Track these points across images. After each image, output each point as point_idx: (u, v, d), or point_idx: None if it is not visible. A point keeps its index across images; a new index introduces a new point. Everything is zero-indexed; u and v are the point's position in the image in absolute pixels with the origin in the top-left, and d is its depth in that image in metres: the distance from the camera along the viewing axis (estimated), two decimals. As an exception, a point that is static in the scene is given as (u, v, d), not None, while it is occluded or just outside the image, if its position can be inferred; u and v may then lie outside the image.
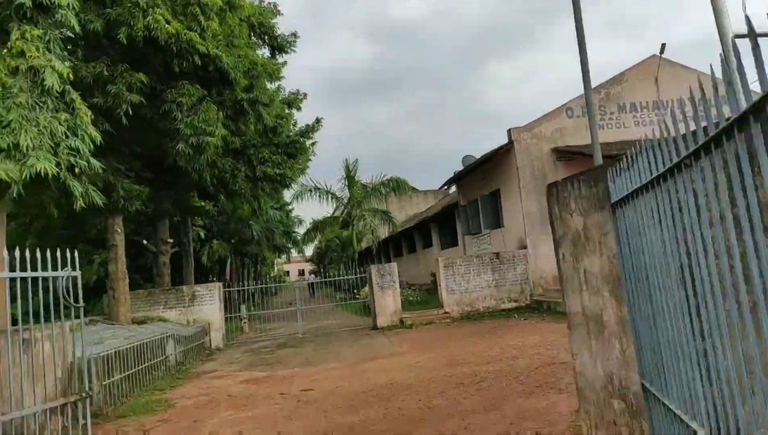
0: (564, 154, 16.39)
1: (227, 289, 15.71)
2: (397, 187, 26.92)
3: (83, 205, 9.13)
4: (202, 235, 24.36)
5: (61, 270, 4.00)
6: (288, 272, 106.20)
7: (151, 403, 8.24)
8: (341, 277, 18.51)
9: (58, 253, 3.97)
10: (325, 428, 5.95)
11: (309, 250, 65.96)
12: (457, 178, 21.22)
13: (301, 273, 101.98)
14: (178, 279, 24.27)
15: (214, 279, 29.93)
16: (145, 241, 17.70)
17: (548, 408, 5.84)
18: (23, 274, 3.93)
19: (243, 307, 19.70)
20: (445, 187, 22.10)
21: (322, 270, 49.84)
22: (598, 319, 3.25)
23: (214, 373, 11.08)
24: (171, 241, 17.63)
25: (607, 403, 3.27)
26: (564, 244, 3.59)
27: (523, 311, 15.60)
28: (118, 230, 13.45)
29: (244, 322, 19.29)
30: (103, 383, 8.35)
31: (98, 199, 9.46)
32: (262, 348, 14.23)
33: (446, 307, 15.81)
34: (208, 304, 14.82)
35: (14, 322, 7.21)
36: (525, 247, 16.36)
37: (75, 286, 4.01)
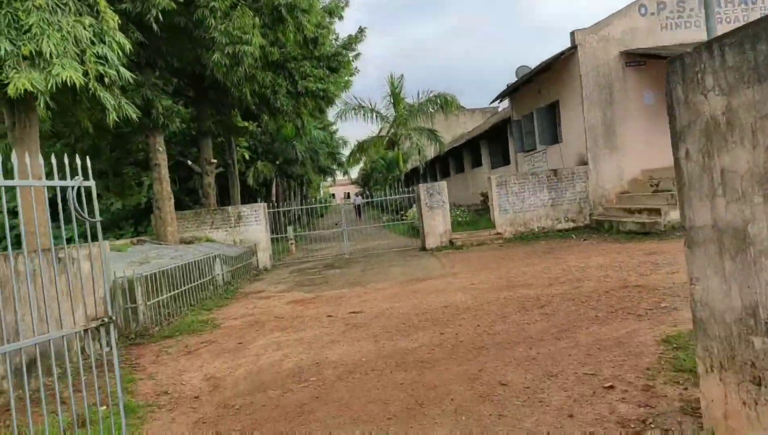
0: (635, 58, 14.72)
1: (272, 210, 15.39)
2: (445, 103, 25.53)
3: (116, 120, 8.64)
4: (247, 156, 24.05)
5: (71, 179, 3.40)
6: (333, 195, 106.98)
7: (197, 323, 8.03)
8: (388, 198, 17.91)
9: (66, 161, 3.36)
10: (376, 354, 5.47)
11: (354, 173, 65.71)
12: (510, 91, 19.74)
13: (347, 196, 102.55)
14: (225, 201, 24.33)
15: (261, 201, 30.08)
16: (190, 162, 17.44)
17: (628, 337, 5.13)
18: (24, 183, 3.36)
19: (290, 228, 19.54)
20: (497, 101, 20.70)
21: (367, 192, 49.56)
22: (740, 234, 2.45)
23: (261, 293, 10.87)
24: (215, 161, 17.29)
25: (743, 341, 2.53)
26: (689, 137, 2.72)
27: (581, 232, 14.68)
28: (160, 149, 13.08)
29: (291, 243, 19.18)
30: (148, 303, 8.18)
31: (132, 113, 8.95)
32: (309, 268, 14.00)
33: (498, 227, 15.05)
34: (253, 225, 14.57)
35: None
36: (585, 163, 15.17)
37: (90, 197, 3.39)
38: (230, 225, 14.56)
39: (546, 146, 17.88)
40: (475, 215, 21.34)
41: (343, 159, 35.99)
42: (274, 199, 26.93)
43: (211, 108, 19.02)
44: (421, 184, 14.99)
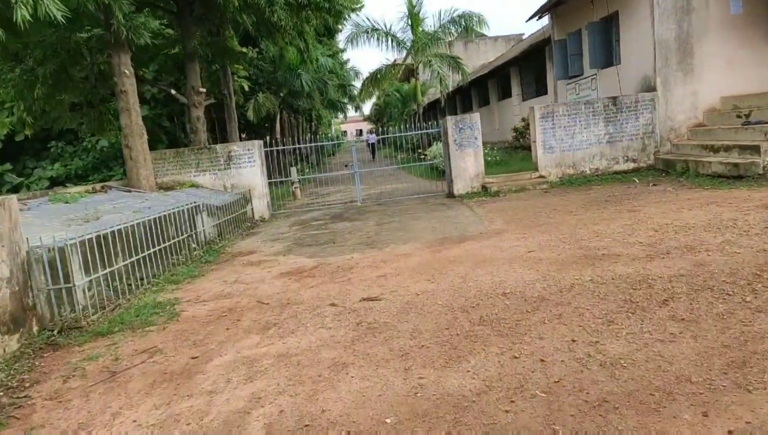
0: (726, -48, 11.56)
1: (271, 149, 12.86)
2: (471, 24, 22.28)
3: (28, 18, 6.07)
4: (246, 86, 21.25)
5: None
6: (345, 132, 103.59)
7: (151, 309, 5.74)
8: (407, 134, 15.23)
9: None
10: (409, 409, 3.12)
11: (367, 109, 62.25)
12: (553, 4, 16.53)
13: (359, 133, 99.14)
14: (223, 138, 21.79)
15: (264, 138, 27.39)
16: (173, 92, 14.85)
17: None
18: None
19: (293, 170, 17.08)
20: (536, 17, 17.50)
21: (380, 128, 46.46)
22: None
23: (251, 255, 8.55)
24: (203, 90, 14.63)
25: None
26: None
27: (645, 174, 12.04)
28: (126, 72, 10.49)
29: (296, 187, 16.79)
30: (90, 278, 5.89)
31: (54, 10, 6.34)
32: (314, 220, 11.63)
33: (542, 169, 12.44)
34: (247, 167, 12.11)
35: None
36: (652, 90, 12.31)
37: None
38: (219, 167, 12.12)
39: (597, 70, 14.92)
40: (505, 154, 18.67)
41: (355, 92, 32.92)
42: (278, 136, 24.31)
43: (199, 26, 16.18)
44: (448, 117, 12.30)
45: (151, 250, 7.46)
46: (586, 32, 15.17)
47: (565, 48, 16.33)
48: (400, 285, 5.68)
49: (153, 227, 7.73)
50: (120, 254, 6.90)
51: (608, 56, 14.52)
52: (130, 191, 10.20)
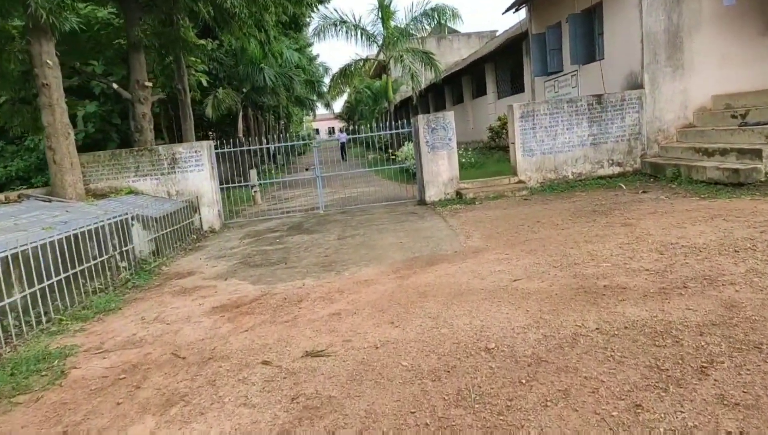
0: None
1: (221, 150, 11.49)
2: (443, 16, 21.18)
3: None
4: (205, 81, 19.75)
5: None
6: (318, 130, 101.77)
7: (32, 365, 4.44)
8: (376, 134, 14.04)
9: None
10: None
11: (339, 107, 60.82)
12: (530, -3, 15.54)
13: (332, 131, 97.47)
14: (177, 139, 20.26)
15: (228, 138, 25.82)
16: (115, 86, 13.36)
17: None
18: None
19: (252, 173, 15.74)
20: (513, 10, 16.47)
21: (352, 127, 45.18)
22: None
23: (188, 278, 7.27)
24: (150, 84, 13.19)
25: None
26: None
27: (631, 179, 11.11)
28: (49, 62, 9.04)
29: (255, 191, 15.45)
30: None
31: None
32: (269, 231, 10.36)
33: (521, 173, 11.40)
34: (194, 171, 10.76)
35: None
36: (639, 87, 11.38)
37: None
38: (162, 171, 10.73)
39: (578, 66, 13.97)
40: (480, 155, 17.66)
41: (324, 89, 31.57)
42: (241, 134, 22.85)
43: (148, 14, 14.71)
44: (420, 116, 11.15)
45: (60, 277, 6.14)
46: (566, 25, 14.21)
47: (543, 42, 15.36)
48: (356, 330, 4.49)
49: (65, 247, 6.41)
50: (15, 285, 5.58)
51: (590, 51, 13.58)
52: (50, 201, 8.78)
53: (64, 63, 16.05)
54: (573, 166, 11.42)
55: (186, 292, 6.50)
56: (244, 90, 22.33)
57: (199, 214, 10.81)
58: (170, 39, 15.43)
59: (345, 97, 51.89)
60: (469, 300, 4.93)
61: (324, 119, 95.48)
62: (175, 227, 9.55)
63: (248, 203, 15.55)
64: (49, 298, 5.95)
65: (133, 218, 8.51)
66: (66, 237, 6.61)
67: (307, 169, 17.33)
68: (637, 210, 8.23)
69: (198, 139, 19.66)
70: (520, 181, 11.37)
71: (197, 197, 10.77)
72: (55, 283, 6.13)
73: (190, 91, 18.49)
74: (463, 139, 24.91)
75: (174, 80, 17.54)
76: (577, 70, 14.14)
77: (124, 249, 7.82)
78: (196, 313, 5.50)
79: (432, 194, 11.25)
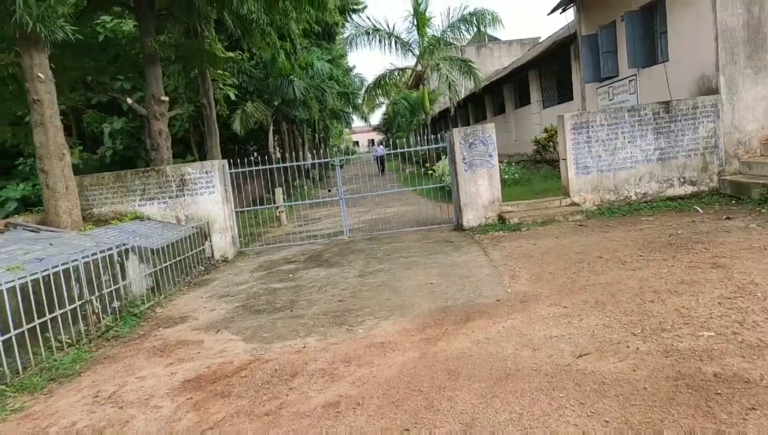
0: None
1: (235, 170, 10.41)
2: (483, 21, 19.78)
3: None
4: (233, 95, 18.95)
5: None
6: (357, 143, 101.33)
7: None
8: (410, 150, 12.74)
9: None
10: None
11: (377, 118, 59.93)
12: (580, -5, 14.01)
13: (372, 143, 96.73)
14: (202, 156, 19.48)
15: (253, 154, 25.01)
16: (129, 100, 12.57)
17: None
18: None
19: (278, 192, 14.70)
20: (559, 10, 14.97)
21: (389, 139, 44.07)
22: None
23: (177, 328, 6.12)
24: (166, 99, 12.32)
25: None
26: None
27: (707, 200, 9.43)
28: (41, 76, 8.15)
29: (281, 212, 14.39)
30: None
31: None
32: (286, 262, 9.17)
33: (574, 194, 9.87)
34: (204, 193, 9.71)
35: None
36: (714, 91, 9.71)
37: None
38: (170, 194, 9.73)
39: (637, 70, 12.35)
40: (524, 171, 16.12)
41: (360, 101, 30.54)
42: (272, 149, 21.98)
43: (164, 23, 13.94)
44: (456, 130, 9.80)
45: (23, 328, 5.10)
46: (622, 24, 12.63)
47: (595, 45, 13.78)
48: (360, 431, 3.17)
49: (33, 291, 5.37)
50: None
51: (651, 52, 11.95)
52: (38, 231, 7.83)
53: (94, 79, 15.61)
54: (636, 185, 9.81)
55: (165, 350, 5.32)
56: (275, 103, 21.47)
57: (210, 241, 9.75)
58: (191, 51, 14.64)
59: (383, 108, 50.99)
60: (517, 390, 3.54)
61: (364, 132, 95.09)
62: (180, 258, 8.48)
63: (273, 224, 14.51)
64: (3, 357, 4.90)
65: (127, 251, 7.49)
66: (35, 279, 5.58)
67: (329, 191, 16.12)
68: (727, 243, 6.63)
69: (225, 155, 18.88)
70: (573, 204, 9.85)
71: (208, 223, 9.70)
72: (14, 337, 5.08)
73: (216, 106, 17.72)
74: (505, 152, 23.36)
75: (199, 95, 16.76)
76: (635, 75, 12.51)
77: (114, 287, 6.77)
78: (161, 391, 4.29)
79: (470, 218, 9.85)
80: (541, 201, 10.20)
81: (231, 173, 10.47)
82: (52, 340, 5.56)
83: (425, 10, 20.95)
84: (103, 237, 8.01)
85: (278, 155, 26.56)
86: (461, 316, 5.23)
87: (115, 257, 7.01)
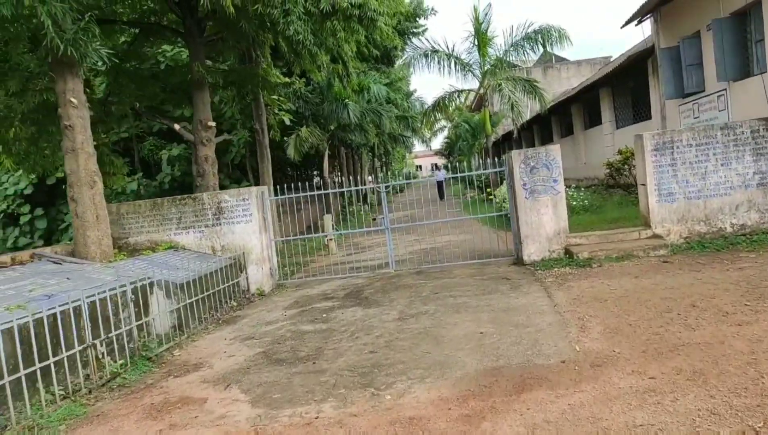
0: None
1: (277, 197, 9.77)
2: (548, 39, 18.60)
3: None
4: (288, 120, 18.69)
5: None
6: (420, 167, 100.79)
7: None
8: (467, 174, 11.71)
9: None
10: None
11: (438, 142, 59.11)
12: (657, 3, 12.64)
13: (435, 167, 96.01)
14: (257, 181, 19.22)
15: (313, 180, 24.64)
16: (177, 126, 12.35)
17: None
18: None
19: (327, 219, 14.03)
20: (635, 22, 13.62)
21: (449, 163, 43.15)
22: None
23: (186, 378, 5.39)
24: (213, 124, 12.00)
25: None
26: None
27: (825, 234, 7.82)
28: (73, 101, 7.86)
29: (329, 240, 13.68)
30: None
31: None
32: (324, 298, 8.34)
33: (656, 224, 8.49)
34: (241, 222, 9.11)
35: None
36: (831, 106, 8.15)
37: None
38: (207, 222, 9.20)
39: (728, 83, 10.83)
40: (595, 197, 14.66)
41: (419, 125, 29.82)
42: (327, 174, 21.54)
43: (213, 48, 13.76)
44: (515, 152, 8.73)
45: (20, 374, 4.53)
46: (708, 34, 11.18)
47: (677, 58, 12.33)
48: None
49: (33, 334, 4.81)
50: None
51: (745, 63, 10.44)
52: (61, 262, 7.42)
53: (143, 106, 15.71)
54: (732, 215, 8.33)
55: (163, 410, 4.56)
56: (331, 128, 21.07)
57: (246, 273, 9.09)
58: (243, 76, 14.40)
59: (445, 132, 50.11)
60: None
61: (427, 156, 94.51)
62: (210, 293, 7.84)
63: (323, 252, 13.82)
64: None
65: (151, 285, 6.91)
66: (37, 319, 5.02)
67: (374, 220, 15.27)
68: None
69: (282, 180, 18.56)
70: (655, 236, 8.47)
71: (244, 253, 9.07)
72: (7, 384, 4.51)
73: (269, 131, 17.45)
74: (574, 176, 21.81)
75: (253, 120, 16.54)
76: (725, 89, 10.98)
77: (133, 325, 6.17)
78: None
79: (532, 252, 8.67)
80: (615, 232, 8.88)
81: (274, 200, 9.84)
82: (66, 383, 4.97)
83: (487, 30, 20.03)
84: (129, 269, 7.49)
85: (337, 180, 26.22)
86: (514, 383, 4.15)
87: (138, 292, 6.43)
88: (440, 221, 10.41)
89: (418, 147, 47.55)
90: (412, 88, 37.56)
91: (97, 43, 7.97)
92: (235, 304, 8.35)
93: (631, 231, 8.71)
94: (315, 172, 26.36)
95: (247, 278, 9.09)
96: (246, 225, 9.07)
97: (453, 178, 23.39)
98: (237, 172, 22.19)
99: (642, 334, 4.92)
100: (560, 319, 5.69)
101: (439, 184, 29.72)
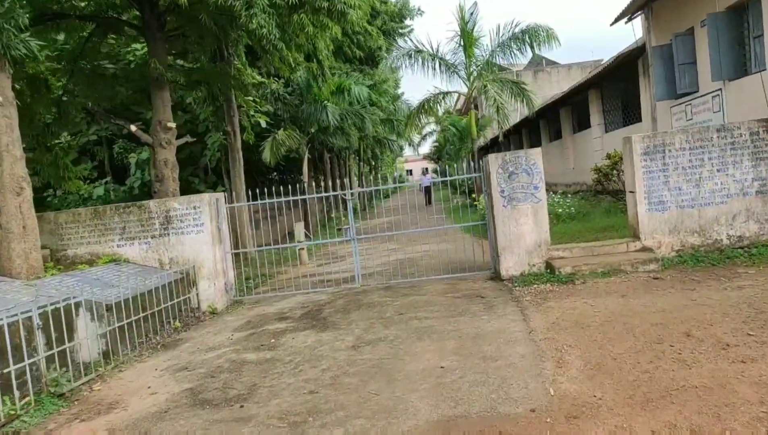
0: None
1: (232, 204, 8.95)
2: (536, 38, 17.90)
3: None
4: (263, 122, 17.84)
5: None
6: (410, 171, 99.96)
7: None
8: (446, 179, 10.90)
9: None
10: None
11: (428, 146, 58.36)
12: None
13: (425, 172, 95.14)
14: (225, 187, 18.34)
15: (296, 185, 23.76)
16: (133, 127, 11.48)
17: None
18: None
19: (298, 227, 13.20)
20: (625, 19, 12.92)
21: (436, 168, 42.40)
22: None
23: (94, 423, 4.55)
24: (173, 125, 11.16)
25: None
26: None
27: (831, 247, 7.08)
28: (-2, 99, 7.00)
29: (301, 250, 12.84)
30: None
31: None
32: (278, 318, 7.50)
33: (645, 235, 7.72)
34: (191, 232, 8.26)
35: None
36: (837, 106, 7.42)
37: None
38: (153, 232, 8.34)
39: (723, 83, 10.13)
40: (583, 203, 13.94)
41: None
42: (307, 179, 20.69)
43: (175, 45, 12.93)
44: (492, 156, 7.95)
45: None
46: (702, 30, 10.48)
47: (669, 56, 11.63)
48: None
49: None
50: None
51: (742, 61, 9.74)
52: (-25, 280, 6.56)
53: (126, 108, 14.83)
54: (729, 225, 7.57)
55: (41, 471, 3.71)
56: (312, 130, 20.24)
57: (197, 289, 8.24)
58: (212, 75, 13.55)
59: (434, 136, 49.39)
60: None
61: (417, 160, 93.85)
62: (149, 313, 6.99)
63: (295, 262, 12.97)
64: None
65: (78, 305, 6.06)
66: None
67: (339, 230, 14.43)
68: None
69: (259, 185, 17.65)
70: (644, 248, 7.70)
71: (194, 267, 8.21)
72: None
73: (243, 133, 16.62)
74: (562, 181, 21.11)
75: (224, 122, 15.69)
76: (720, 89, 10.27)
77: (45, 355, 5.32)
78: None
79: (510, 266, 7.88)
80: (602, 244, 8.10)
81: (246, 206, 9.01)
82: None
83: (473, 29, 19.31)
84: (54, 287, 6.63)
85: (323, 185, 25.35)
86: (471, 443, 3.34)
87: (61, 314, 5.59)
88: (415, 231, 9.56)
89: (410, 151, 46.86)
90: (400, 91, 36.82)
91: (27, 34, 7.15)
92: (179, 325, 7.48)
93: (619, 243, 7.93)
94: (292, 177, 25.51)
95: (197, 295, 8.23)
96: (197, 235, 8.21)
97: (435, 183, 22.62)
98: (213, 177, 21.31)
99: (629, 372, 4.14)
100: (535, 350, 4.89)
101: (426, 189, 28.95)
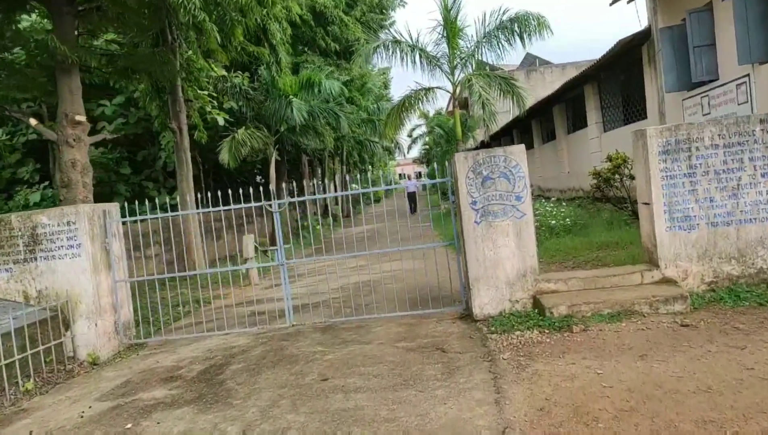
0: None
1: (129, 218, 6.91)
2: (526, 28, 16.00)
3: None
4: (221, 120, 15.85)
5: None
6: (404, 175, 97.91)
7: None
8: (423, 181, 8.92)
9: None
10: None
11: (416, 150, 56.44)
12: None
13: (418, 175, 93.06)
14: (198, 189, 16.28)
15: (269, 192, 21.80)
16: (33, 121, 9.44)
17: None
18: None
19: (248, 240, 11.18)
20: (628, -3, 11.02)
21: (430, 171, 40.47)
22: None
23: None
24: (83, 119, 9.18)
25: None
26: None
27: None
28: None
29: (248, 268, 10.83)
30: None
31: None
32: (166, 377, 5.47)
33: (667, 262, 5.76)
34: (65, 256, 6.25)
35: None
36: None
37: None
38: (15, 256, 6.32)
39: (752, 67, 8.22)
40: (579, 212, 12.00)
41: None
42: (274, 184, 18.66)
43: (83, 20, 10.86)
44: (459, 155, 5.97)
45: None
46: (725, 4, 8.57)
47: (682, 38, 9.72)
48: None
49: None
50: None
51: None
52: None
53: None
54: (778, 248, 5.64)
55: None
56: (280, 129, 18.23)
57: (72, 331, 6.21)
58: (144, 61, 11.53)
59: (425, 138, 47.50)
60: None
61: (409, 164, 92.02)
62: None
63: (243, 283, 10.95)
64: None
65: None
66: None
67: (265, 253, 12.39)
68: None
69: (212, 191, 15.49)
70: (665, 279, 5.75)
71: (68, 302, 6.19)
72: None
73: (195, 131, 14.63)
74: (556, 187, 19.22)
75: (169, 118, 13.68)
76: (748, 75, 8.36)
77: None
78: None
79: (485, 303, 5.90)
80: (607, 274, 6.13)
81: (134, 221, 7.00)
82: None
83: (456, 18, 17.39)
84: None
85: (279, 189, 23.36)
86: None
87: None
88: (377, 252, 7.52)
89: (407, 155, 45.13)
90: (391, 93, 34.91)
91: None
92: (31, 386, 5.45)
93: (631, 271, 5.97)
94: (262, 181, 23.52)
95: (73, 339, 6.21)
96: (72, 260, 6.21)
97: (420, 186, 20.67)
98: (172, 181, 19.27)
99: None
100: (508, 475, 2.91)
101: (411, 196, 26.93)
